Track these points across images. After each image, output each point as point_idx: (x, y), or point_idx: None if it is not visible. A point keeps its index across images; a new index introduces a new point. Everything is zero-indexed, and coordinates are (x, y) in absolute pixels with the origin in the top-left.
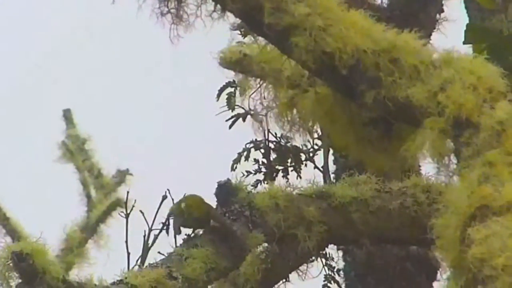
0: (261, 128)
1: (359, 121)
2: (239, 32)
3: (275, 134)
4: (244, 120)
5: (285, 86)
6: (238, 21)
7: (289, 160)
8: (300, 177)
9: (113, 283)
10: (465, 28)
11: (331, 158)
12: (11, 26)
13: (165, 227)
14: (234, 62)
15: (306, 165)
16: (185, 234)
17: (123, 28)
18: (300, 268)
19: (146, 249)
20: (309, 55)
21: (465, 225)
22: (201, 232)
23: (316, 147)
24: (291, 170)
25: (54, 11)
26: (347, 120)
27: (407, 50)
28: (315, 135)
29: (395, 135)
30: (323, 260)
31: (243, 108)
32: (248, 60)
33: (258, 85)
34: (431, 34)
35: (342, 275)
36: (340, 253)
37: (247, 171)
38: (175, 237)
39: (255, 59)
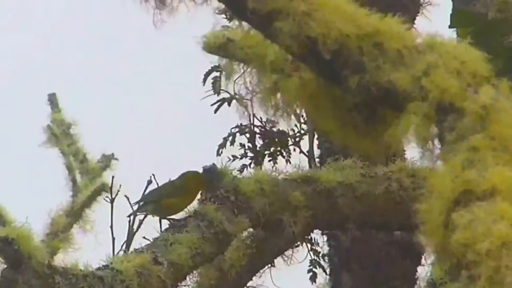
0: (246, 113)
1: (343, 106)
2: (225, 16)
3: (260, 118)
4: (229, 104)
5: (268, 71)
6: (222, 6)
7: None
8: (289, 162)
9: (99, 268)
10: (451, 12)
11: (316, 143)
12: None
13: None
14: (218, 46)
15: (294, 149)
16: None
17: (107, 12)
18: (286, 253)
19: (131, 234)
20: (293, 40)
21: (449, 210)
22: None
23: (302, 131)
24: (277, 155)
25: None
26: (331, 105)
27: (391, 34)
28: (301, 120)
29: (379, 120)
30: (308, 245)
31: (228, 92)
32: (231, 45)
33: (242, 70)
34: (415, 18)
35: (327, 261)
36: (325, 238)
37: (232, 156)
38: (160, 223)
39: (239, 44)
